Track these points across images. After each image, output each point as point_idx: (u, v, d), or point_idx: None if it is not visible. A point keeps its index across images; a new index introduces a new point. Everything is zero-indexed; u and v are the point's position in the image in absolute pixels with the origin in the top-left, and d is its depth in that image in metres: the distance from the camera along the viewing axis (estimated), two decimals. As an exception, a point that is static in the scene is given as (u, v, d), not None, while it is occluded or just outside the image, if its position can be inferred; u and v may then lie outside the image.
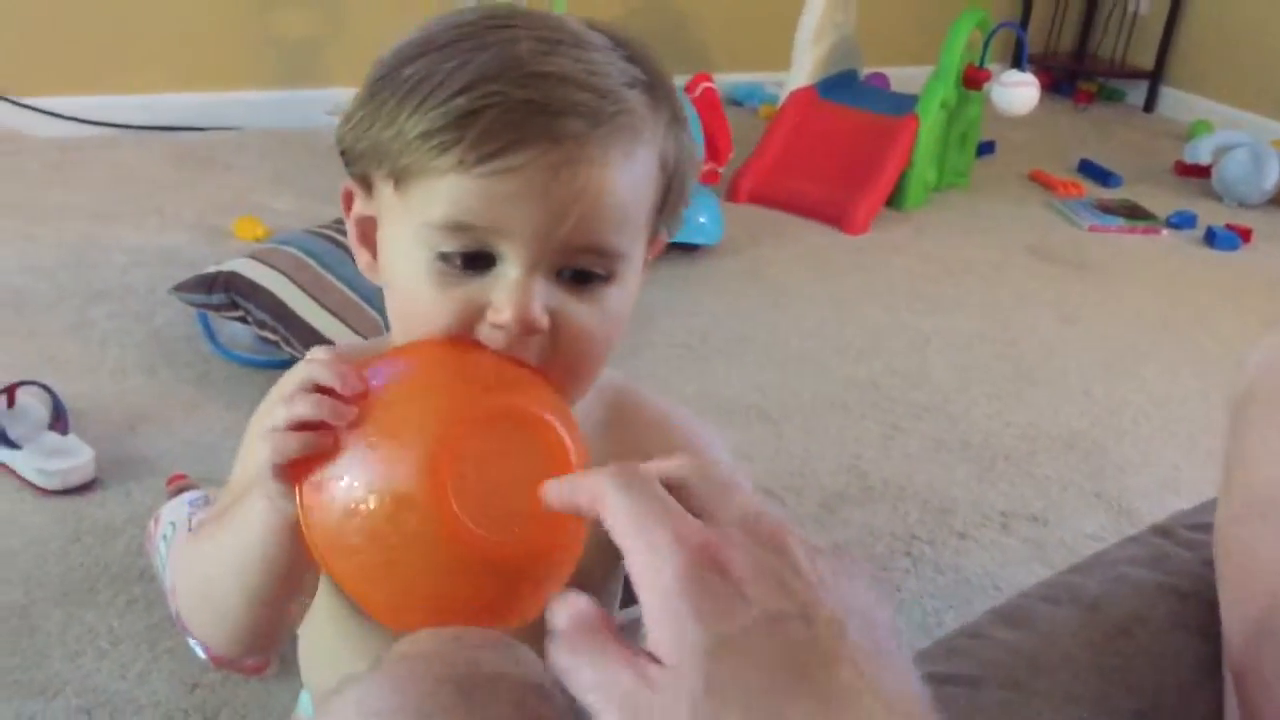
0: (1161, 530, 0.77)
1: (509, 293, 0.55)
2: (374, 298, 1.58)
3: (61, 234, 2.05)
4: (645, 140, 0.57)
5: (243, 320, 1.62)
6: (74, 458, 1.35)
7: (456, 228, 0.55)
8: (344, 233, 1.70)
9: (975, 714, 0.63)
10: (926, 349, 1.94)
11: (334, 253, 1.66)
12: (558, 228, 0.54)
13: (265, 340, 1.61)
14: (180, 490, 1.20)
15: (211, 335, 1.69)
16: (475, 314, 0.56)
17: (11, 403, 1.41)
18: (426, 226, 0.56)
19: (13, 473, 1.35)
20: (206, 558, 0.63)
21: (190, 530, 0.62)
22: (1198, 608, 0.69)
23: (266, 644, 0.65)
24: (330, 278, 1.61)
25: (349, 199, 0.63)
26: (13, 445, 1.36)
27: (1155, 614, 0.68)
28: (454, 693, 0.48)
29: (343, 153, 0.61)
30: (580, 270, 0.57)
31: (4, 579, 1.19)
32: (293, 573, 0.59)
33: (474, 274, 0.56)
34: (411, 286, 0.57)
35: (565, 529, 0.51)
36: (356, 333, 1.54)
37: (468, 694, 0.48)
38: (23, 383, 1.44)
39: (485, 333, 0.56)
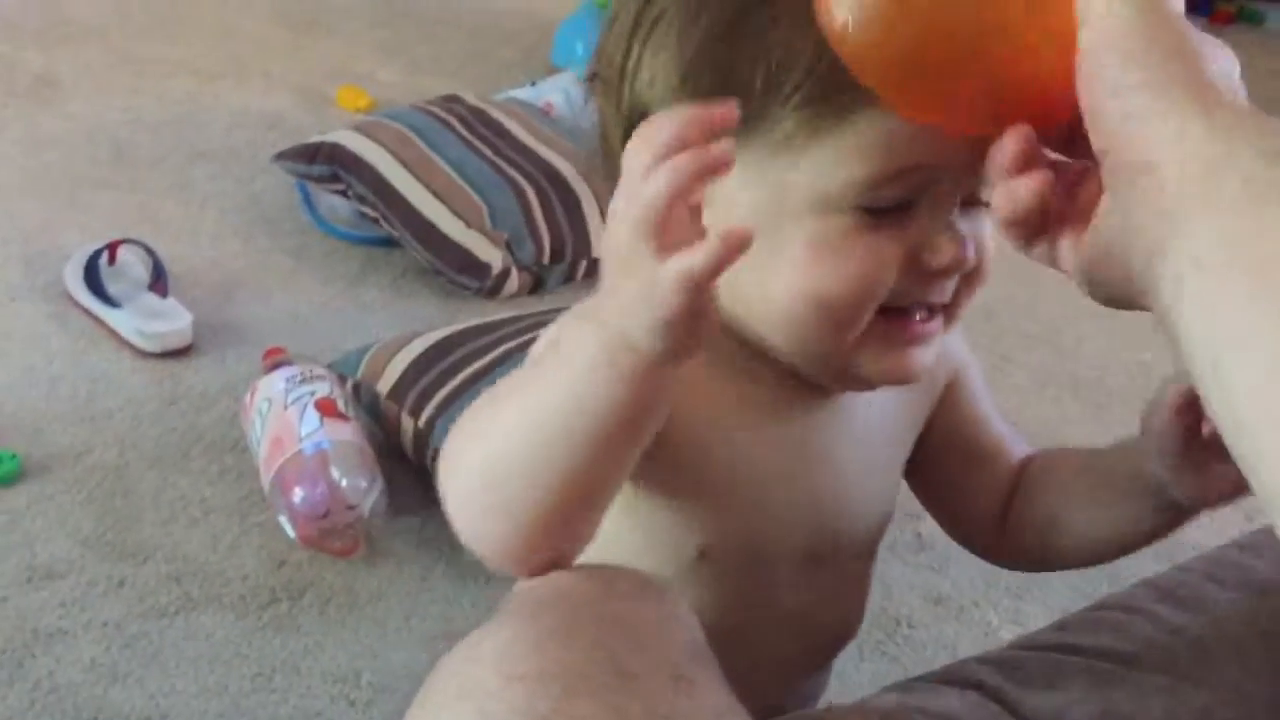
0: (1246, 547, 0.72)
1: (948, 233, 0.52)
2: (481, 183, 1.55)
3: (166, 89, 2.03)
4: None
5: (343, 194, 1.59)
6: (173, 321, 1.34)
7: (897, 175, 0.51)
8: (453, 111, 1.68)
9: (1133, 698, 0.59)
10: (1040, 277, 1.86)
11: (442, 132, 1.62)
12: (982, 154, 0.49)
13: (364, 215, 1.58)
14: (277, 365, 1.18)
15: (311, 206, 1.67)
16: (898, 267, 0.53)
17: (113, 260, 1.41)
18: (848, 182, 0.51)
19: (111, 331, 1.35)
20: (512, 423, 0.51)
21: (483, 397, 0.54)
22: None
23: (567, 544, 0.53)
24: (436, 158, 1.57)
25: None
26: (113, 303, 1.35)
27: (1247, 631, 0.63)
28: (607, 664, 0.45)
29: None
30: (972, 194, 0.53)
31: (100, 439, 1.20)
32: (637, 436, 0.50)
33: (894, 222, 0.52)
34: (810, 253, 0.53)
35: None
36: (459, 217, 1.51)
37: (622, 670, 0.45)
38: (125, 240, 1.43)
39: (900, 284, 0.53)
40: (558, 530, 0.52)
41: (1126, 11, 0.43)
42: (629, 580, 0.50)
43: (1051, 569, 0.72)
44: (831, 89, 0.49)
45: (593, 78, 0.59)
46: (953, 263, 0.52)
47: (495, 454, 0.51)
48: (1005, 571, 1.07)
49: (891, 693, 0.64)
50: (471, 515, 0.53)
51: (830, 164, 0.51)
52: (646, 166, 0.44)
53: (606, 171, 0.58)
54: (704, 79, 0.52)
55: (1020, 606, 1.14)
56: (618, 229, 0.46)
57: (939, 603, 1.12)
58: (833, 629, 0.69)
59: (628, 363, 0.47)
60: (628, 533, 0.59)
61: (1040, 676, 0.62)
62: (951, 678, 0.65)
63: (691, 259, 0.44)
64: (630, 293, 0.46)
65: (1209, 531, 0.78)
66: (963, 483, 0.69)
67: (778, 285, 0.54)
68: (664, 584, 0.51)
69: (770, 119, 0.51)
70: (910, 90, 0.47)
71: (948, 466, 0.69)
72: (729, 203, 0.54)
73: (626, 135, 0.50)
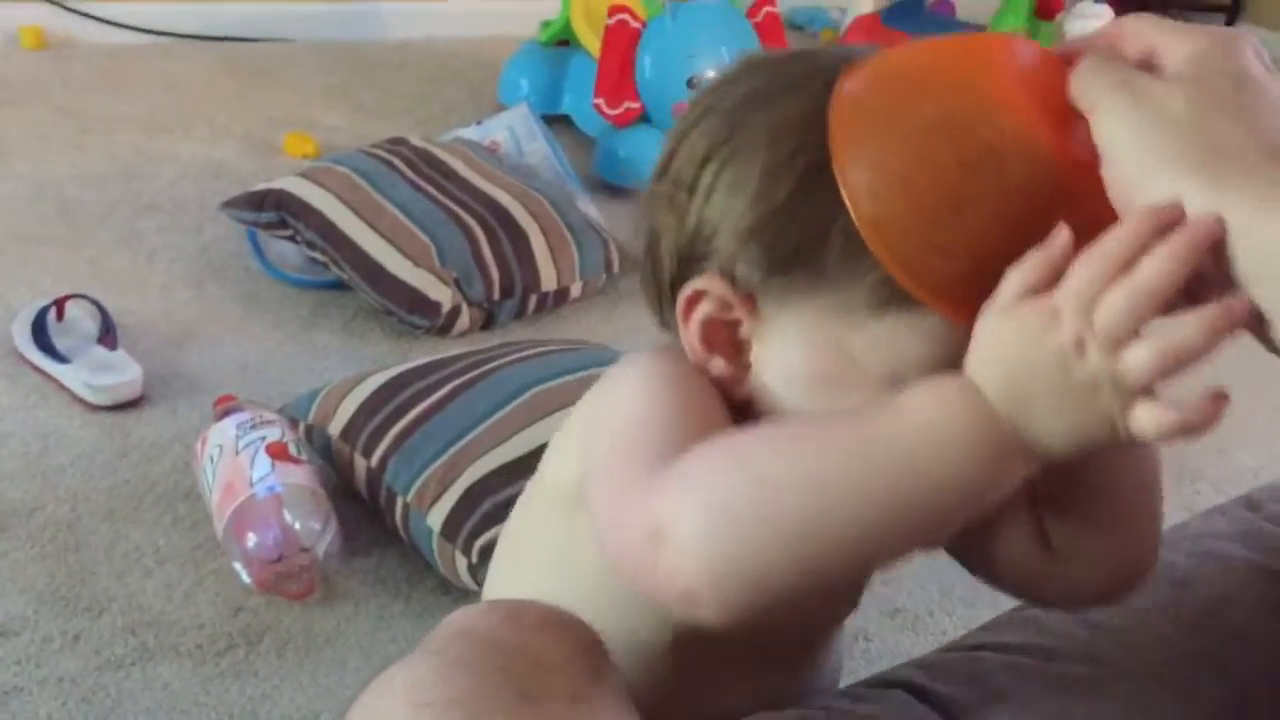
0: (1250, 503, 0.74)
1: None
2: (428, 223, 1.56)
3: (111, 144, 2.03)
4: None
5: (292, 239, 1.60)
6: (122, 373, 1.34)
7: (960, 360, 0.49)
8: (398, 154, 1.69)
9: (1052, 689, 0.61)
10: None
11: (387, 175, 1.63)
12: None
13: (314, 260, 1.59)
14: (228, 412, 1.19)
15: (260, 253, 1.67)
16: None
17: (61, 315, 1.41)
18: (914, 363, 0.51)
19: (61, 386, 1.35)
20: (826, 477, 0.47)
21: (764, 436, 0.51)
22: None
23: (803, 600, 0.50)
24: (382, 200, 1.58)
25: (696, 301, 0.55)
26: (61, 359, 1.35)
27: (1246, 595, 0.65)
28: (508, 688, 0.46)
29: (761, 249, 0.53)
30: None
31: (52, 494, 1.19)
32: (977, 510, 0.48)
33: None
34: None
35: None
36: (407, 257, 1.52)
37: (524, 692, 0.46)
38: (72, 295, 1.43)
39: None
40: (818, 586, 0.49)
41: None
42: (534, 613, 0.52)
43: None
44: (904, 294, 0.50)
45: (653, 189, 0.58)
46: None
47: (794, 506, 0.47)
48: (959, 580, 1.08)
49: (820, 702, 0.65)
50: (721, 553, 0.47)
51: (898, 340, 0.51)
52: (1117, 255, 0.45)
53: (650, 271, 0.58)
54: (784, 225, 0.52)
55: (974, 614, 1.15)
56: (1036, 322, 0.46)
57: (895, 615, 1.13)
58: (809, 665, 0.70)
59: (1016, 453, 0.47)
60: (605, 607, 0.57)
61: (964, 674, 0.64)
62: (879, 681, 0.67)
63: (1164, 416, 0.44)
64: (1054, 394, 0.46)
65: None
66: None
67: None
68: (569, 615, 0.52)
69: (841, 282, 0.51)
70: (968, 309, 0.49)
71: None
72: (783, 349, 0.54)
73: (685, 250, 0.53)
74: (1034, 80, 0.51)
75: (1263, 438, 1.49)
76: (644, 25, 1.97)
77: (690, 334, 0.56)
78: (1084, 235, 0.46)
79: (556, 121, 2.16)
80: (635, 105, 1.99)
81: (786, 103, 0.53)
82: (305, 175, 1.63)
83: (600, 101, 1.99)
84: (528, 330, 1.57)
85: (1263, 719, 0.61)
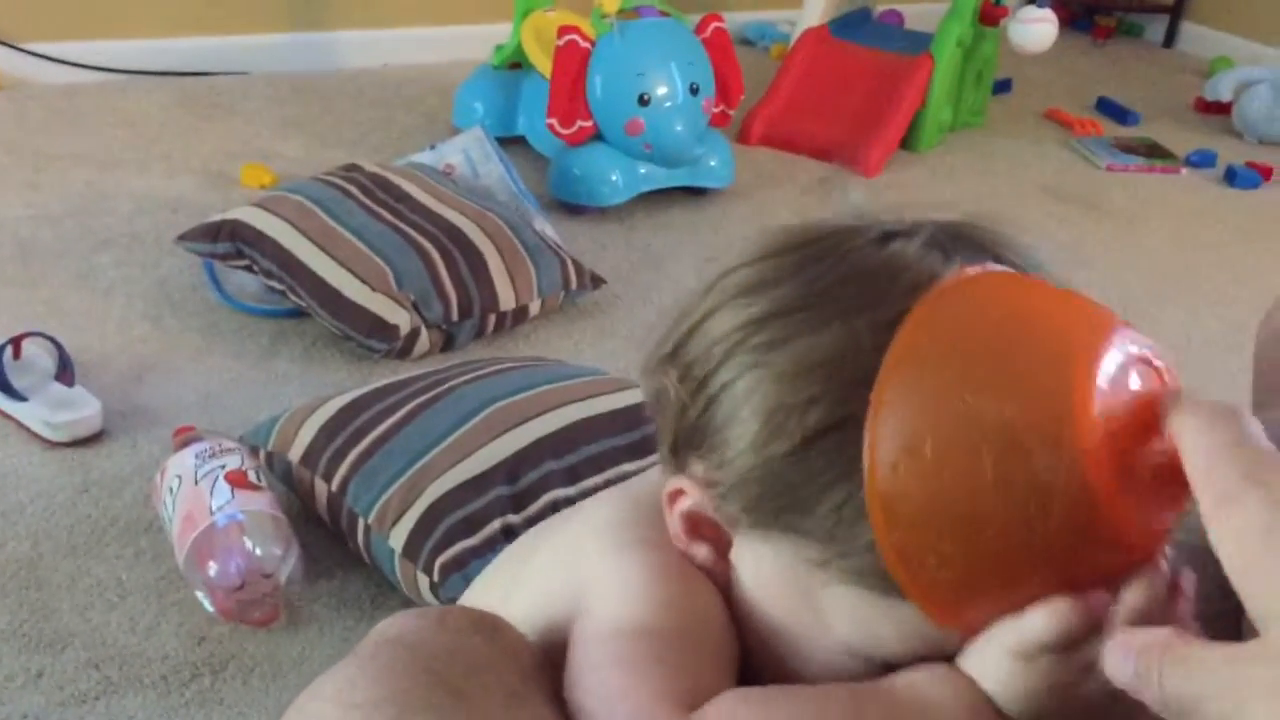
0: None
1: None
2: (384, 247, 1.57)
3: (66, 182, 2.03)
4: None
5: (249, 269, 1.60)
6: (81, 409, 1.34)
7: (928, 653, 0.50)
8: (352, 180, 1.70)
9: None
10: (941, 293, 1.91)
11: (342, 201, 1.64)
12: None
13: (272, 289, 1.59)
14: (187, 443, 1.19)
15: (218, 284, 1.67)
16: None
17: (18, 354, 1.40)
18: (875, 643, 0.51)
19: (19, 425, 1.35)
20: None
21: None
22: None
23: None
24: (337, 226, 1.59)
25: (678, 496, 0.55)
26: (19, 397, 1.35)
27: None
28: (439, 688, 0.46)
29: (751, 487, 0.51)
30: None
31: (12, 532, 1.19)
32: None
33: None
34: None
35: None
36: (364, 282, 1.52)
37: (455, 690, 0.47)
38: (29, 334, 1.43)
39: None
40: None
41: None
42: (459, 616, 0.52)
43: None
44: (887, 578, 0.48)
45: (662, 362, 0.55)
46: None
47: None
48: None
49: None
50: None
51: (869, 616, 0.50)
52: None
53: (655, 419, 0.56)
54: (777, 481, 0.49)
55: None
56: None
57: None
58: None
59: None
60: None
61: None
62: None
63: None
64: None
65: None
66: None
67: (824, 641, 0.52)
68: (498, 618, 0.53)
69: (826, 543, 0.49)
70: (950, 613, 0.48)
71: None
72: (757, 572, 0.53)
73: (682, 435, 0.52)
74: (1118, 401, 0.46)
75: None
76: (593, 45, 1.99)
77: (674, 520, 0.56)
78: (1102, 571, 0.44)
79: (512, 143, 2.17)
80: (588, 124, 2.01)
81: (822, 336, 0.49)
82: (260, 205, 1.64)
83: (554, 121, 2.00)
84: (488, 350, 1.58)
85: None
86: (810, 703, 0.50)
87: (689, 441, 0.53)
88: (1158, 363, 0.48)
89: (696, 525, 0.55)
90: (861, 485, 0.46)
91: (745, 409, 0.50)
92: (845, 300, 0.49)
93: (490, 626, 0.52)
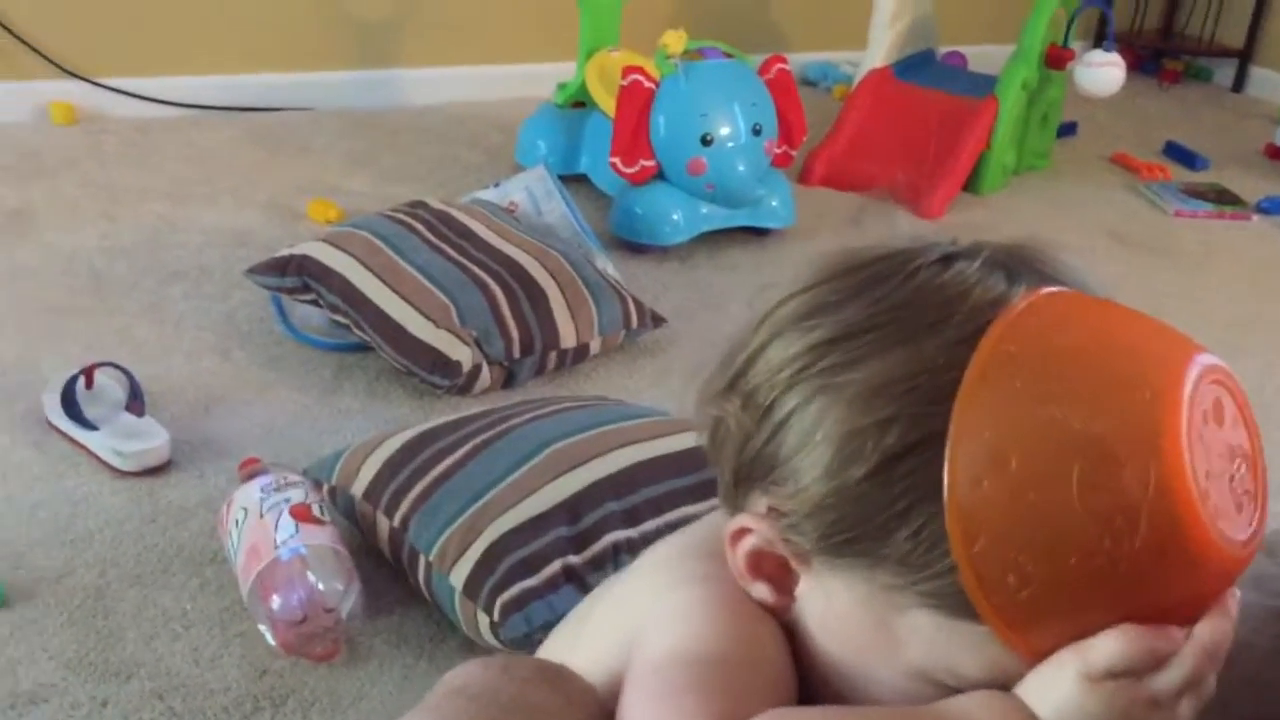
0: (1264, 548, 0.74)
1: None
2: (447, 284, 1.58)
3: (139, 214, 2.07)
4: None
5: (315, 303, 1.62)
6: (150, 439, 1.36)
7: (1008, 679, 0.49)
8: (417, 217, 1.72)
9: None
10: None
11: (407, 237, 1.66)
12: None
13: (337, 323, 1.61)
14: (252, 475, 1.20)
15: (284, 317, 1.70)
16: None
17: (90, 384, 1.43)
18: (949, 668, 0.50)
19: (90, 453, 1.37)
20: None
21: None
22: None
23: None
24: (402, 262, 1.60)
25: (744, 533, 0.54)
26: (90, 426, 1.38)
27: (1259, 640, 0.64)
28: None
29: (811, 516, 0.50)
30: None
31: (81, 560, 1.21)
32: None
33: None
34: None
35: None
36: (428, 318, 1.54)
37: None
38: (101, 364, 1.45)
39: None
40: None
41: None
42: (525, 666, 0.52)
43: None
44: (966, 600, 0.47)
45: (721, 393, 0.54)
46: None
47: None
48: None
49: None
50: None
51: (945, 640, 0.49)
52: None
53: (714, 455, 0.55)
54: (851, 509, 0.48)
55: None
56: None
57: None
58: None
59: None
60: None
61: None
62: None
63: None
64: None
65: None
66: None
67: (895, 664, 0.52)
68: (563, 667, 0.53)
69: (902, 568, 0.49)
70: (1024, 637, 0.47)
71: None
72: (827, 606, 0.53)
73: (744, 469, 0.51)
74: (1203, 421, 0.46)
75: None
76: (657, 85, 2.01)
77: (737, 559, 0.55)
78: (1176, 596, 0.44)
79: (574, 181, 2.19)
80: (650, 163, 2.02)
81: (893, 356, 0.48)
82: (327, 240, 1.66)
83: (616, 160, 2.02)
84: (548, 387, 1.59)
85: None
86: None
87: (752, 473, 0.52)
88: (1234, 386, 0.48)
89: (760, 564, 0.54)
90: (942, 506, 0.46)
91: (817, 434, 0.49)
92: (914, 320, 0.49)
93: (555, 675, 0.52)
